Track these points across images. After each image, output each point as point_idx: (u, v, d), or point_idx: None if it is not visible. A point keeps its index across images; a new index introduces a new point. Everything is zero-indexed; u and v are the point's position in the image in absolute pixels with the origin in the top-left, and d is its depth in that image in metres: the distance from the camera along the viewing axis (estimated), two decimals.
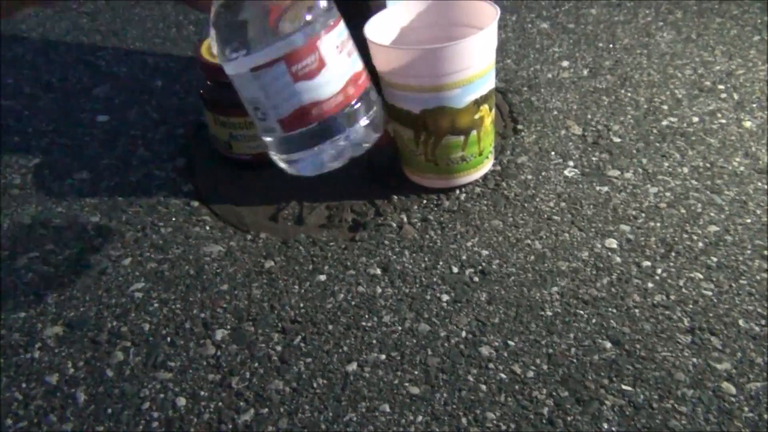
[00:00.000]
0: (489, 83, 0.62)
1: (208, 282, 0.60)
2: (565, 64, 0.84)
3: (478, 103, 0.61)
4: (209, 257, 0.63)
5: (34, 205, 0.71)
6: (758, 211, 0.61)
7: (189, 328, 0.56)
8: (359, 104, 0.49)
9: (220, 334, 0.56)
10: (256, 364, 0.53)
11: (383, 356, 0.52)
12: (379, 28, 0.64)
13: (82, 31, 1.02)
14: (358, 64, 0.49)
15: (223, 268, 0.62)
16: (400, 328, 0.55)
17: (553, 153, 0.71)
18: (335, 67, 0.46)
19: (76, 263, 0.64)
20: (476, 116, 0.62)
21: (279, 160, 0.51)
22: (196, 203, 0.69)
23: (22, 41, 1.01)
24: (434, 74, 0.59)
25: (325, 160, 0.50)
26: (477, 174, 0.67)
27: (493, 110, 0.65)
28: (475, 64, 0.59)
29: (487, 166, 0.68)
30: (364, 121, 0.49)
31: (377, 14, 0.65)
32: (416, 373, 0.51)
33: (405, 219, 0.65)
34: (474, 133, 0.63)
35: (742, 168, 0.66)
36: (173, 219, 0.67)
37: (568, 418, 0.47)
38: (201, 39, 0.71)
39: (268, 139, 0.50)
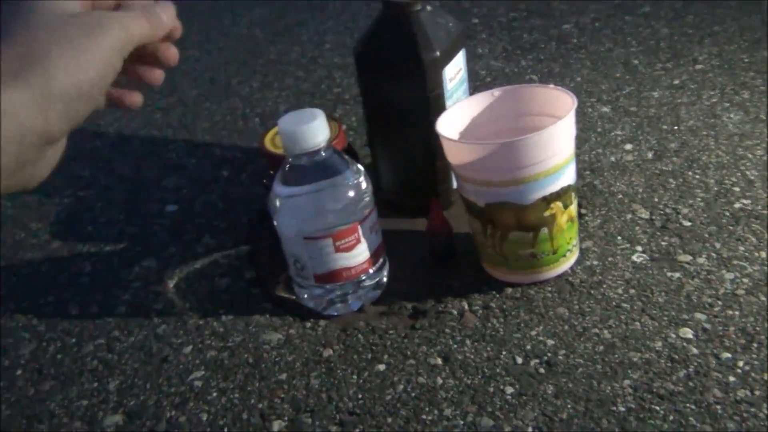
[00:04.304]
0: (562, 180, 0.59)
1: (267, 371, 0.60)
2: (629, 147, 0.83)
3: (547, 200, 0.59)
4: (268, 345, 0.62)
5: (103, 292, 0.73)
6: None
7: (246, 419, 0.55)
8: (376, 268, 0.65)
9: (277, 426, 0.54)
10: None
11: None
12: (452, 120, 0.65)
13: (155, 125, 1.07)
14: (380, 237, 0.64)
15: (282, 357, 0.61)
16: (461, 422, 0.52)
17: (619, 237, 0.68)
18: (367, 243, 0.62)
19: (139, 350, 0.64)
20: (546, 214, 0.59)
21: (297, 286, 0.65)
22: (257, 290, 0.70)
23: (99, 136, 1.07)
24: (493, 170, 0.58)
25: (332, 304, 0.64)
26: (551, 273, 0.63)
27: (572, 207, 0.61)
28: (539, 162, 0.57)
29: (565, 265, 0.64)
30: (374, 282, 0.65)
31: (452, 107, 0.66)
32: None
33: (466, 306, 0.63)
34: (545, 230, 0.60)
35: None
36: (234, 306, 0.68)
37: None
38: (266, 130, 0.74)
39: (297, 278, 0.64)
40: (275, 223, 0.62)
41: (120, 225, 0.84)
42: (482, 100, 0.67)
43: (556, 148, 0.57)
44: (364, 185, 0.61)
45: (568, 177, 0.60)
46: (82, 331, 0.68)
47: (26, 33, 0.38)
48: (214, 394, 0.58)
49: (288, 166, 0.61)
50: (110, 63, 0.39)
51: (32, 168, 0.39)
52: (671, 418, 0.50)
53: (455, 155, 0.61)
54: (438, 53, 0.65)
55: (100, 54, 0.39)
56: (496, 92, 0.66)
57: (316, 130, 0.58)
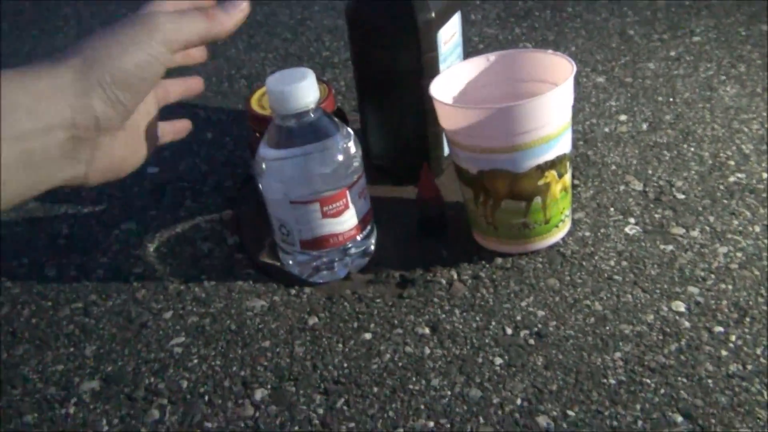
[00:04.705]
0: (557, 149, 0.57)
1: (250, 338, 0.58)
2: (623, 118, 0.81)
3: (542, 169, 0.57)
4: (251, 312, 0.61)
5: (80, 255, 0.71)
6: None
7: (228, 386, 0.54)
8: (364, 236, 0.62)
9: (259, 394, 0.53)
10: (296, 428, 0.50)
11: (431, 423, 0.49)
12: (446, 84, 0.62)
13: None
14: (368, 203, 0.62)
15: (265, 324, 0.59)
16: (449, 392, 0.51)
17: (612, 209, 0.67)
18: (355, 209, 0.60)
19: (117, 315, 0.62)
20: (540, 182, 0.58)
21: (282, 252, 0.63)
22: (240, 256, 0.68)
23: None
24: (487, 136, 0.56)
25: (317, 271, 0.62)
26: (543, 243, 0.62)
27: (566, 177, 0.60)
28: (535, 129, 0.55)
29: (557, 235, 0.62)
30: (362, 249, 0.63)
31: (446, 71, 0.64)
32: None
33: (455, 276, 0.62)
34: (538, 200, 0.58)
35: None
36: (217, 272, 0.66)
37: None
38: (252, 91, 0.71)
39: (282, 244, 0.62)
40: (260, 186, 0.60)
41: (99, 186, 0.82)
42: (477, 64, 0.65)
43: (552, 115, 0.56)
44: (353, 149, 0.59)
45: (563, 145, 0.58)
46: (58, 295, 0.66)
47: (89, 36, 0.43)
48: (195, 361, 0.57)
49: (275, 127, 0.58)
50: (154, 55, 0.43)
51: (89, 155, 0.43)
52: (662, 391, 0.49)
53: (448, 120, 0.59)
54: (433, 14, 0.63)
55: (143, 46, 0.43)
56: (492, 57, 0.64)
57: (305, 90, 0.55)
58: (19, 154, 0.39)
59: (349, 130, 0.61)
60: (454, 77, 0.64)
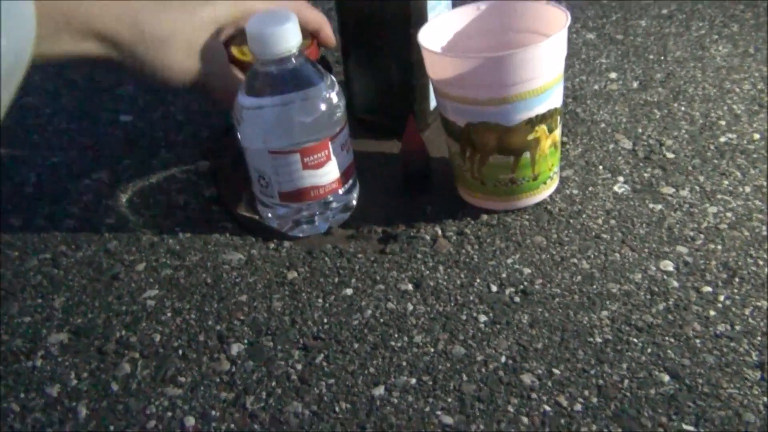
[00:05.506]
0: (548, 102, 0.55)
1: (226, 292, 0.56)
2: (613, 75, 0.79)
3: (532, 123, 0.55)
4: (228, 265, 0.59)
5: (49, 204, 0.68)
6: None
7: (203, 340, 0.52)
8: (346, 189, 0.60)
9: (236, 349, 0.51)
10: (274, 383, 0.48)
11: (413, 380, 0.47)
12: (434, 33, 0.60)
13: None
14: (351, 156, 0.60)
15: (242, 278, 0.57)
16: (432, 349, 0.50)
17: (601, 167, 0.65)
18: (337, 161, 0.57)
19: (87, 266, 0.60)
20: (529, 137, 0.56)
21: (261, 205, 0.61)
22: (217, 208, 0.65)
23: None
24: (477, 87, 0.54)
25: (297, 224, 0.61)
26: (530, 200, 0.60)
27: (556, 132, 0.58)
28: (527, 80, 0.53)
29: (545, 192, 0.61)
30: (343, 204, 0.61)
31: (434, 19, 0.61)
32: (450, 400, 0.46)
33: (439, 232, 0.60)
34: (527, 155, 0.57)
35: None
36: (192, 224, 0.64)
37: None
38: (232, 36, 0.68)
39: (261, 196, 0.60)
40: (239, 135, 0.57)
41: (70, 134, 0.78)
42: (467, 13, 0.62)
43: (545, 67, 0.53)
44: (336, 99, 0.56)
45: (555, 99, 0.56)
46: (25, 244, 0.63)
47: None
48: (169, 314, 0.54)
49: (254, 74, 0.55)
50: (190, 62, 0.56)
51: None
52: (649, 350, 0.48)
53: (437, 70, 0.56)
54: None
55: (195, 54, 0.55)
56: (483, 5, 0.62)
57: (287, 34, 0.52)
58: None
59: (333, 78, 0.58)
60: (443, 26, 0.61)
